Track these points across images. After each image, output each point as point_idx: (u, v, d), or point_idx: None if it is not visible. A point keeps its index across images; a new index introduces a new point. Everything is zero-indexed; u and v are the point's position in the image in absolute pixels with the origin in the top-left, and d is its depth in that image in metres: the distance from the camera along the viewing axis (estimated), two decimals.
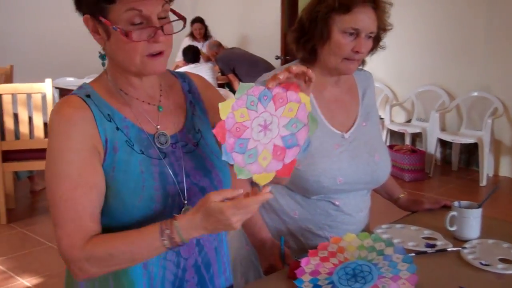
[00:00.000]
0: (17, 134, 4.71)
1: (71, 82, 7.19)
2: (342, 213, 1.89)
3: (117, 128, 1.33)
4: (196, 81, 1.53)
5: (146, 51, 1.28)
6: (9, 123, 4.62)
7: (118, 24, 1.26)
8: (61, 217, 1.26)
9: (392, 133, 6.72)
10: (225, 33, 8.48)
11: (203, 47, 7.87)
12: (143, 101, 1.39)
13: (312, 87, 1.30)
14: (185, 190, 1.37)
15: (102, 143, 1.30)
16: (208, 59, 7.70)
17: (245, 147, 1.25)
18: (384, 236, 1.82)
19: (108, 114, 1.33)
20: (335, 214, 1.89)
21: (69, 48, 5.78)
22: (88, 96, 1.33)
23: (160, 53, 1.29)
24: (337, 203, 1.87)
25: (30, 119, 4.71)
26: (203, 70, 6.80)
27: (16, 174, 5.34)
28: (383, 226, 1.95)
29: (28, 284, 3.69)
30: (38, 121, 4.64)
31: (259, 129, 1.26)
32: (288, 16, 7.43)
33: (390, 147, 6.18)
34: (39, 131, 4.63)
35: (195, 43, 7.81)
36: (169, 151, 1.38)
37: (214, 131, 1.20)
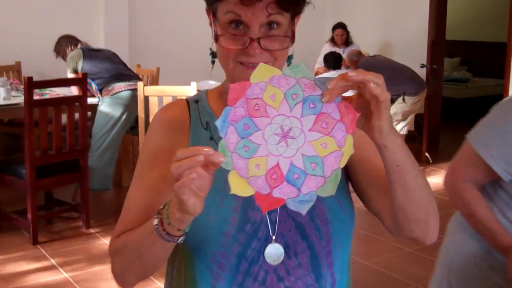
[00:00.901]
0: None
1: (213, 85, 7.19)
2: None
3: (211, 138, 1.21)
4: None
5: (240, 58, 1.12)
6: None
7: (220, 23, 1.13)
8: (122, 212, 1.21)
9: None
10: (367, 39, 8.23)
11: (343, 53, 7.68)
12: None
13: None
14: (277, 222, 1.14)
15: None
16: (348, 67, 7.51)
17: (248, 134, 0.94)
18: None
19: (206, 122, 1.23)
20: None
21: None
22: (197, 101, 1.27)
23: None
24: None
25: None
26: None
27: None
28: None
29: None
30: None
31: (277, 131, 0.94)
32: (437, 23, 7.05)
33: None
34: None
35: (336, 49, 7.64)
36: None
37: (231, 85, 0.98)
